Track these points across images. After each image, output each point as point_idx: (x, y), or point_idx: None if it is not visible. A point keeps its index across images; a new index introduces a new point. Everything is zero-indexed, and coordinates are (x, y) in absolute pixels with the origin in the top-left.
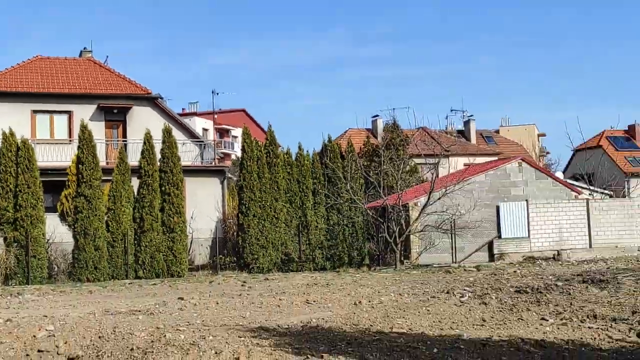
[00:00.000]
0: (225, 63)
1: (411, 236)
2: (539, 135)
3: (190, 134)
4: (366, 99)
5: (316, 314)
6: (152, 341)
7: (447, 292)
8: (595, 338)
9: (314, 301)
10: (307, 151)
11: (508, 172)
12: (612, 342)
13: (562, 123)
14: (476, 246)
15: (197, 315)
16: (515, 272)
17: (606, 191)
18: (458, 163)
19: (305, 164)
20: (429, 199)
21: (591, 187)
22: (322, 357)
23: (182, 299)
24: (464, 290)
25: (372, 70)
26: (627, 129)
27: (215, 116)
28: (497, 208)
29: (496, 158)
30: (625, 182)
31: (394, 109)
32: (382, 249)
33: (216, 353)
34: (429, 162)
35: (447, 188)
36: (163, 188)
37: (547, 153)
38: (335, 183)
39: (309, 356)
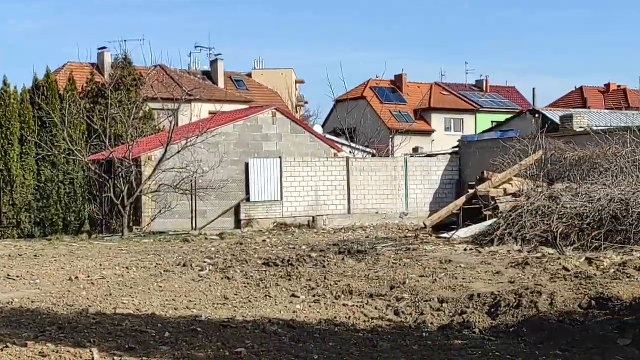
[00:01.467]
0: None
1: (143, 197)
2: (296, 82)
3: None
4: (91, 26)
5: (20, 293)
6: None
7: (184, 265)
8: (350, 317)
9: (18, 276)
10: (15, 87)
11: (260, 123)
12: (368, 320)
13: (324, 69)
14: (221, 210)
15: None
16: (264, 241)
17: (368, 149)
18: (202, 110)
19: (11, 104)
20: (165, 152)
21: (353, 144)
22: (26, 345)
23: None
24: (205, 262)
25: None
26: (393, 79)
27: None
28: (247, 166)
29: (247, 106)
30: (390, 140)
31: (125, 40)
32: (107, 213)
33: None
34: (168, 108)
35: (189, 140)
36: None
37: (306, 103)
38: (50, 129)
39: (9, 345)
